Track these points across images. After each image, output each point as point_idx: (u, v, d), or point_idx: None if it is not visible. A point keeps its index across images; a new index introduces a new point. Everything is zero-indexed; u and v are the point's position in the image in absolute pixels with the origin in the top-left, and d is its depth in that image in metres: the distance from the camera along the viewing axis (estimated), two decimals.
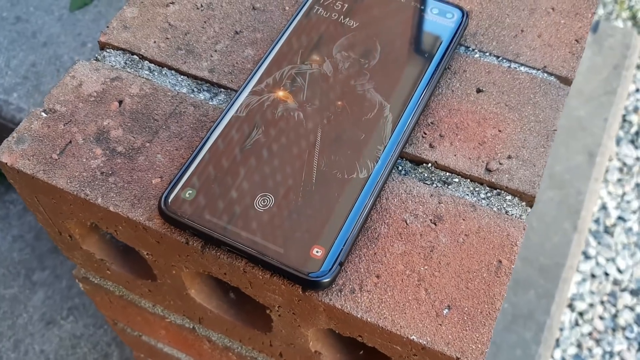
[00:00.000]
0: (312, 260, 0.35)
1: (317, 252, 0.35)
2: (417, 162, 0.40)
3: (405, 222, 0.38)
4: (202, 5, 0.47)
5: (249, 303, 0.46)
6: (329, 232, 0.36)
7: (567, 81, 0.43)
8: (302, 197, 0.37)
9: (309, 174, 0.38)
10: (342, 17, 0.44)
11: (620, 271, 1.50)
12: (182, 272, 0.42)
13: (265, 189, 0.37)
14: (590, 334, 1.42)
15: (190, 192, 0.37)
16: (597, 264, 1.49)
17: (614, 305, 1.45)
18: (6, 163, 0.40)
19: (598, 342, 1.41)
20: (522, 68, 0.44)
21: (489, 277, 0.36)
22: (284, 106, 0.40)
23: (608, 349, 1.39)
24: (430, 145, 0.41)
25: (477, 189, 0.39)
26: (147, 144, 0.41)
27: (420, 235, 0.37)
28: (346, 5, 0.45)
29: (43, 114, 0.42)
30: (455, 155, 0.40)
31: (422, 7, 0.45)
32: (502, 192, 0.39)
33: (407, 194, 0.39)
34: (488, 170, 0.40)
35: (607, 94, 1.40)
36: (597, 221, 1.53)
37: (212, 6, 0.47)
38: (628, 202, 1.54)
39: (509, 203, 0.39)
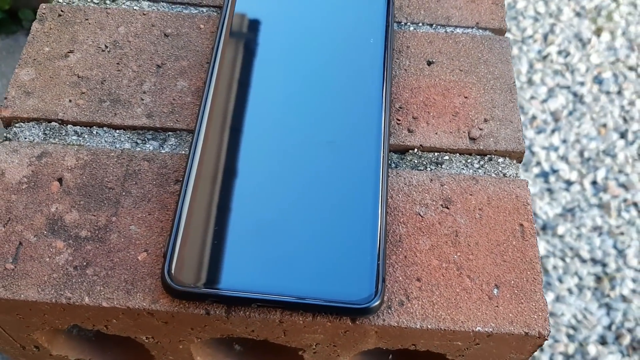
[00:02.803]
0: (355, 287, 0.32)
1: (357, 276, 0.32)
2: (402, 151, 0.39)
3: (419, 215, 0.36)
4: (106, 46, 0.41)
5: (259, 348, 0.42)
6: (361, 251, 0.33)
7: (501, 32, 0.44)
8: (319, 225, 0.34)
9: (315, 197, 0.35)
10: (271, 16, 0.41)
11: None
12: (192, 344, 0.37)
13: (279, 227, 0.33)
14: None
15: (196, 256, 0.32)
16: None
17: None
18: None
19: None
20: (458, 30, 0.44)
21: (518, 243, 0.36)
22: (257, 128, 0.36)
23: None
24: (409, 130, 0.39)
25: (469, 161, 0.39)
26: (114, 218, 0.35)
27: (439, 223, 0.36)
28: (269, 3, 0.42)
29: None
30: (436, 133, 0.39)
31: None
32: (493, 156, 0.39)
33: (408, 186, 0.37)
34: (472, 139, 0.39)
35: None
36: None
37: (118, 44, 0.41)
38: None
39: (502, 165, 0.39)
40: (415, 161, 0.38)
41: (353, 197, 0.35)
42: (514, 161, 0.39)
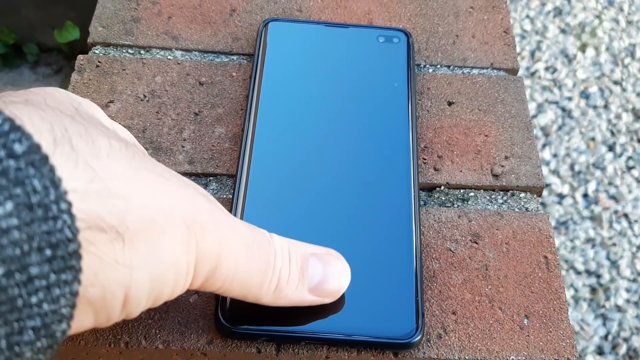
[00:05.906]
0: (398, 323, 0.34)
1: (399, 312, 0.35)
2: (429, 188, 0.41)
3: (451, 250, 0.38)
4: (145, 96, 0.43)
5: None
6: (400, 288, 0.35)
7: (514, 71, 0.47)
8: (360, 264, 0.36)
9: (354, 236, 0.37)
10: (300, 63, 0.43)
11: None
12: None
13: None
14: None
15: None
16: None
17: None
18: None
19: None
20: (474, 71, 0.46)
21: (544, 274, 0.38)
22: (294, 172, 0.39)
23: None
24: (435, 169, 0.41)
25: (493, 197, 0.41)
26: None
27: (470, 258, 0.38)
28: (298, 52, 0.44)
29: None
30: (461, 171, 0.41)
31: (370, 38, 0.45)
32: (515, 192, 0.41)
33: (438, 223, 0.39)
34: (495, 175, 0.41)
35: None
36: None
37: (156, 93, 0.43)
38: None
39: (524, 200, 0.41)
40: (443, 198, 0.41)
41: (389, 236, 0.37)
42: (535, 196, 0.41)
